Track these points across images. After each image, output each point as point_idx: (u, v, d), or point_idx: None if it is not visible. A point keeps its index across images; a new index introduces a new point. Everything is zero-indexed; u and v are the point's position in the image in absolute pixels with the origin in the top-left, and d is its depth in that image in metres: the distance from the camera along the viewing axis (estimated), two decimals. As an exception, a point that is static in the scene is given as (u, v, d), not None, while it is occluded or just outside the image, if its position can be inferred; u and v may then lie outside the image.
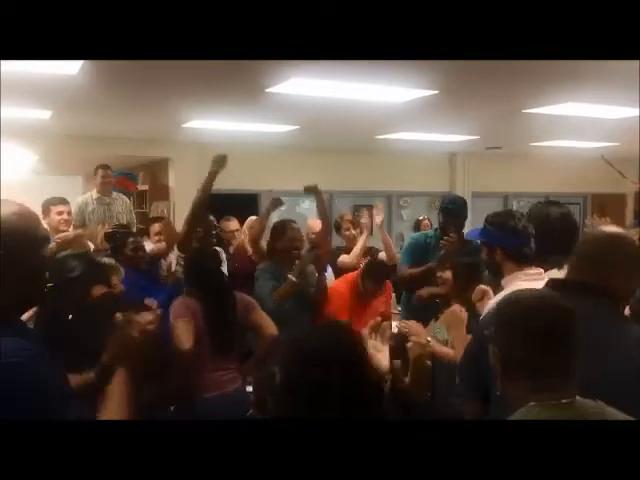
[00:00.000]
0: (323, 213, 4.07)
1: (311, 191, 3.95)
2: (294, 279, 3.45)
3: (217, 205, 5.18)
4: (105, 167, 5.36)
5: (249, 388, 2.92)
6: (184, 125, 5.80)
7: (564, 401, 1.24)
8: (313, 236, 4.50)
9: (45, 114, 5.08)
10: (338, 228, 4.73)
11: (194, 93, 4.43)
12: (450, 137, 6.86)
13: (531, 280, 2.04)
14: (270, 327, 3.03)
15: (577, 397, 1.26)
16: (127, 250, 3.70)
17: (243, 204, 6.63)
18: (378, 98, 4.38)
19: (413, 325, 2.29)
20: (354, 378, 1.40)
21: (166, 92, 4.40)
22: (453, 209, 3.83)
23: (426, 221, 6.19)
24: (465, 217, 3.96)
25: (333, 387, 1.36)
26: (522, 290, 1.42)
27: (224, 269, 3.78)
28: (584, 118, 5.36)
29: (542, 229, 2.35)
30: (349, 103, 4.58)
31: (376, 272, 3.73)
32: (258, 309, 3.10)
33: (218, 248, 4.04)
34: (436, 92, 4.19)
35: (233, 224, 4.57)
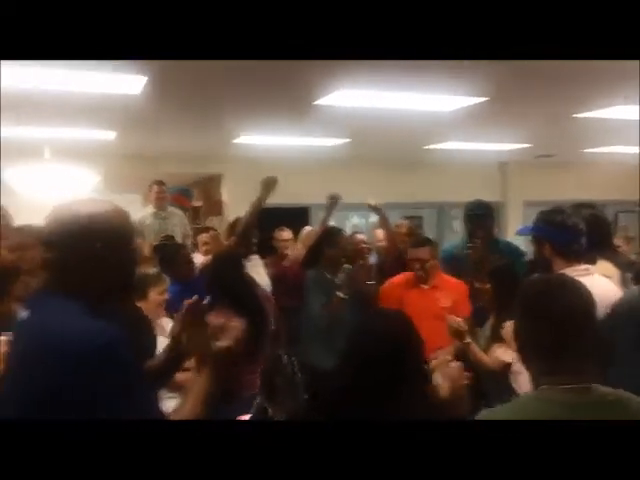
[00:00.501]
0: (386, 227, 4.17)
1: (374, 209, 4.03)
2: (342, 295, 3.53)
3: (268, 218, 5.35)
4: (160, 183, 5.61)
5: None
6: (235, 141, 5.99)
7: (580, 386, 1.21)
8: (380, 244, 4.60)
9: (110, 135, 5.35)
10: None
11: (244, 108, 4.59)
12: (500, 146, 6.83)
13: (578, 277, 2.05)
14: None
15: (597, 385, 1.24)
16: (175, 262, 3.80)
17: (293, 217, 6.75)
18: (425, 107, 4.43)
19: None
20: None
21: (218, 108, 4.57)
22: (477, 215, 3.82)
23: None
24: (492, 221, 3.91)
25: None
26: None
27: (261, 275, 3.92)
28: (636, 122, 5.26)
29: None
30: (396, 114, 4.65)
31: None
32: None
33: (255, 256, 4.18)
34: (485, 99, 4.21)
35: (286, 234, 4.73)
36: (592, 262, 2.33)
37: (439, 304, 3.42)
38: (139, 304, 2.63)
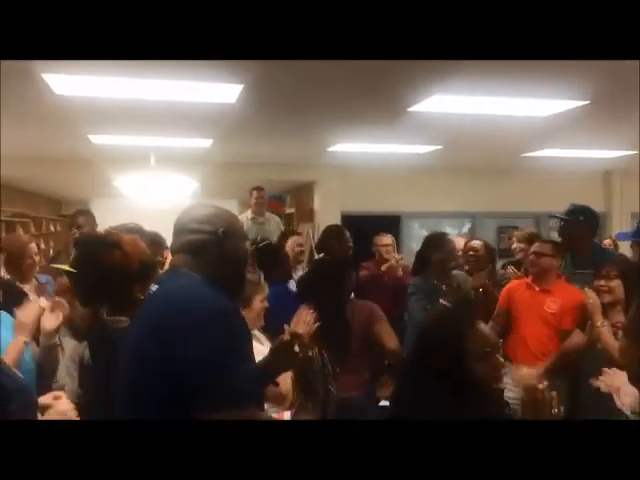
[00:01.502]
0: None
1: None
2: (445, 303, 3.48)
3: (360, 226, 5.39)
4: (260, 189, 5.83)
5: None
6: (329, 149, 6.07)
7: None
8: (472, 254, 4.49)
9: (207, 142, 5.60)
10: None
11: (339, 116, 4.64)
12: (604, 153, 6.48)
13: None
14: (391, 342, 3.01)
15: None
16: (276, 263, 3.92)
17: (385, 225, 6.73)
18: (522, 112, 4.29)
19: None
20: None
21: (312, 116, 4.66)
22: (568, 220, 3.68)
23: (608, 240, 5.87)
24: (590, 224, 3.72)
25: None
26: None
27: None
28: None
29: None
30: (491, 120, 4.54)
31: None
32: (384, 322, 3.07)
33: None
34: (587, 102, 4.02)
35: (386, 239, 4.74)
36: None
37: (545, 307, 3.36)
38: (243, 312, 2.66)
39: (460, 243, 4.59)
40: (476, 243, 4.44)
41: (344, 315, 3.05)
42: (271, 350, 1.67)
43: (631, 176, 7.85)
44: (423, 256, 3.80)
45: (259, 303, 2.71)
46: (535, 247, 3.51)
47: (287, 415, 2.25)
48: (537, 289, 3.45)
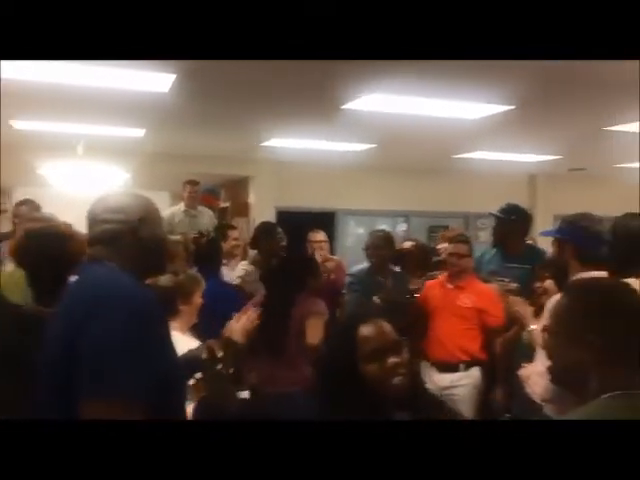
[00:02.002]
0: None
1: None
2: (377, 301, 3.56)
3: (294, 222, 5.40)
4: (193, 183, 5.77)
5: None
6: (263, 144, 6.04)
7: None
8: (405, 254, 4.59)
9: (139, 132, 5.46)
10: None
11: (273, 111, 4.63)
12: (530, 157, 6.76)
13: None
14: (311, 336, 3.02)
15: None
16: (215, 256, 3.86)
17: (320, 222, 6.77)
18: (454, 114, 4.41)
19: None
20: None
21: (247, 110, 4.63)
22: (506, 219, 3.82)
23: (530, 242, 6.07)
24: (523, 223, 3.89)
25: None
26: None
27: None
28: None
29: (621, 238, 2.38)
30: (425, 121, 4.64)
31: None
32: (315, 318, 3.09)
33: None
34: (512, 107, 4.17)
35: (320, 235, 4.78)
36: (637, 275, 2.28)
37: (459, 303, 3.50)
38: (183, 307, 2.62)
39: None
40: (407, 244, 4.54)
41: (288, 312, 3.10)
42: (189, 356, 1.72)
43: (555, 180, 8.22)
44: (366, 250, 3.97)
45: (198, 299, 2.69)
46: (452, 248, 3.62)
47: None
48: (450, 287, 3.58)
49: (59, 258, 1.97)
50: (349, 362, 1.50)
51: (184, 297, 2.60)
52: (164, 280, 2.49)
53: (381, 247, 3.92)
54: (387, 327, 1.56)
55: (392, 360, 1.49)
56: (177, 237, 4.47)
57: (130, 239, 1.53)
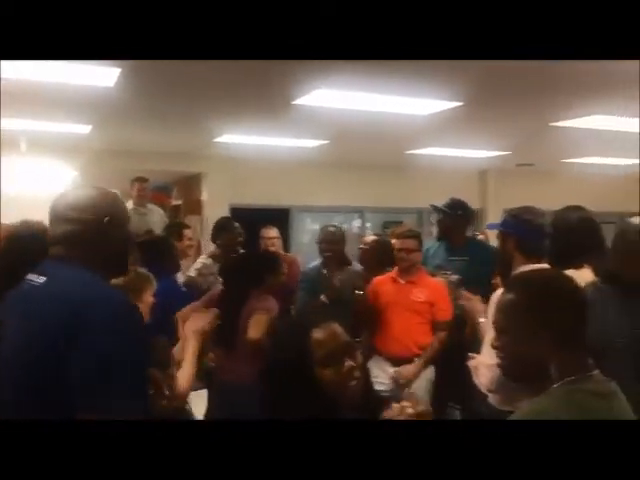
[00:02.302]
0: None
1: None
2: (323, 299, 3.56)
3: (249, 219, 5.35)
4: (142, 180, 5.62)
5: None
6: (216, 140, 5.96)
7: (590, 374, 1.26)
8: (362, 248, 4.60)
9: (85, 128, 5.30)
10: None
11: (224, 107, 4.57)
12: (480, 153, 6.87)
13: None
14: (252, 331, 3.01)
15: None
16: (166, 257, 3.71)
17: (275, 219, 6.73)
18: (404, 110, 4.44)
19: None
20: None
21: (199, 106, 4.55)
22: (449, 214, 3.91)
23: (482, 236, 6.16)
24: (466, 218, 3.98)
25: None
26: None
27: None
28: (613, 132, 5.33)
29: (561, 231, 2.45)
30: (376, 117, 4.66)
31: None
32: (259, 314, 3.07)
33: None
34: (460, 104, 4.23)
35: (272, 232, 4.77)
36: (577, 266, 2.37)
37: (412, 297, 3.52)
38: None
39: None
40: (369, 238, 4.58)
41: (241, 308, 3.11)
42: None
43: (505, 176, 8.40)
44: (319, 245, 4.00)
45: (150, 297, 2.62)
46: (401, 244, 3.63)
47: None
48: (402, 282, 3.60)
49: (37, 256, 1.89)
50: (303, 365, 1.45)
51: (134, 295, 2.52)
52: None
53: (333, 242, 3.93)
54: (339, 329, 1.52)
55: (348, 364, 1.47)
56: None
57: (97, 239, 1.48)
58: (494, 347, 1.36)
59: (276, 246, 4.65)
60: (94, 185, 1.58)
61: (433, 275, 3.71)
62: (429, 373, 3.51)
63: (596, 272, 2.41)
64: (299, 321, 1.63)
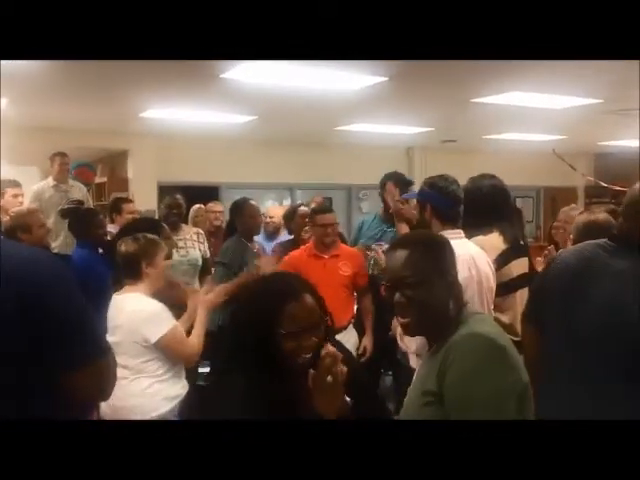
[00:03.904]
0: None
1: None
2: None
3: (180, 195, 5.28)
4: (62, 155, 5.44)
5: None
6: (141, 115, 5.81)
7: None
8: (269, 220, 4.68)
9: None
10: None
11: (149, 80, 4.47)
12: (407, 129, 7.03)
13: (451, 239, 2.22)
14: None
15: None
16: (91, 226, 3.83)
17: (204, 196, 6.65)
18: (331, 85, 4.49)
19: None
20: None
21: (122, 79, 4.42)
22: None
23: None
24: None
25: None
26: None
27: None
28: (531, 109, 5.57)
29: (472, 197, 2.58)
30: (304, 92, 4.68)
31: None
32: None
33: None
34: (385, 79, 4.31)
35: (218, 207, 5.09)
36: (487, 232, 2.52)
37: (340, 272, 3.55)
38: (148, 270, 2.55)
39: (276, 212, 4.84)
40: (271, 210, 4.81)
41: None
42: None
43: (429, 151, 8.62)
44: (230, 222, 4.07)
45: (162, 261, 2.62)
46: (324, 219, 3.59)
47: None
48: (326, 257, 3.56)
49: None
50: (265, 337, 1.40)
51: (147, 260, 2.54)
52: (126, 245, 2.53)
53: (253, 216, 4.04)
54: (313, 303, 1.47)
55: (313, 340, 1.42)
56: None
57: None
58: (397, 303, 1.44)
59: (220, 220, 4.93)
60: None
61: (367, 248, 3.74)
62: (353, 338, 3.60)
63: (504, 238, 2.56)
64: (268, 288, 1.53)
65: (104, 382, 1.39)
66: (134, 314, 2.42)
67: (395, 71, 4.12)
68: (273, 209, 5.18)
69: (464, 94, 5.02)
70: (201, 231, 4.45)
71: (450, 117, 6.32)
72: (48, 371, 1.30)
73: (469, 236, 2.45)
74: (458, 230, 2.36)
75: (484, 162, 8.69)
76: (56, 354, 1.29)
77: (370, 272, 3.58)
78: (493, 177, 2.70)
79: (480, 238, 2.48)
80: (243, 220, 3.99)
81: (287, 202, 8.66)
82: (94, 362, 1.33)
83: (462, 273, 2.15)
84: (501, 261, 2.50)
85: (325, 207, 3.88)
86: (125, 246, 2.53)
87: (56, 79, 4.26)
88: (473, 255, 2.25)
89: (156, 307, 2.46)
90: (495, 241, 2.57)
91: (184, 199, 4.37)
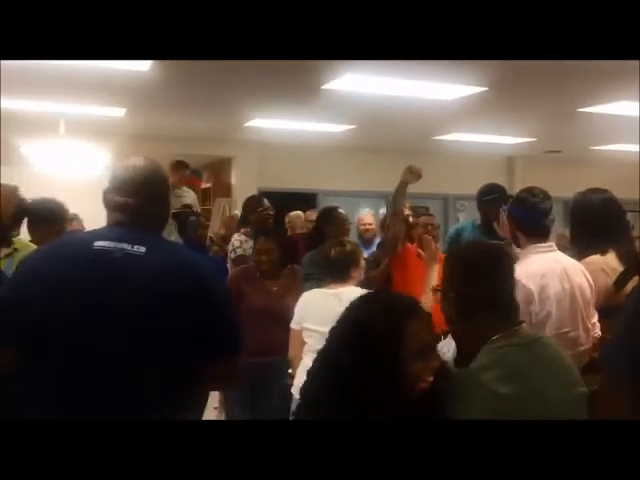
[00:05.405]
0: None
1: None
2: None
3: (276, 203, 5.47)
4: (184, 165, 5.83)
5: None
6: (246, 124, 6.09)
7: (515, 329, 1.41)
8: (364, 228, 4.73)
9: (120, 112, 5.48)
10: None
11: (255, 91, 4.68)
12: (508, 139, 6.87)
13: (541, 253, 2.21)
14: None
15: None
16: (194, 229, 4.16)
17: (302, 202, 6.83)
18: (430, 95, 4.50)
19: None
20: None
21: (229, 91, 4.67)
22: (491, 199, 3.80)
23: None
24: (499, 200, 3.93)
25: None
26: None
27: None
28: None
29: (584, 213, 2.47)
30: (403, 102, 4.72)
31: None
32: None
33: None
34: (485, 89, 4.27)
35: (315, 215, 4.96)
36: (602, 252, 2.36)
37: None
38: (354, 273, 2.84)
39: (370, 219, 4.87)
40: (368, 217, 4.78)
41: None
42: None
43: (532, 162, 8.35)
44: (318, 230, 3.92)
45: (362, 263, 2.95)
46: (428, 219, 3.77)
47: None
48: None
49: None
50: (393, 355, 1.28)
51: (355, 264, 2.81)
52: (336, 252, 2.78)
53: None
54: (431, 321, 1.41)
55: (435, 359, 1.35)
56: None
57: (160, 207, 1.66)
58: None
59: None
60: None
61: None
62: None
63: (621, 257, 2.36)
64: (394, 304, 1.39)
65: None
66: None
67: (496, 81, 4.07)
68: (367, 216, 5.21)
69: (570, 104, 4.87)
70: None
71: (555, 127, 6.12)
72: (201, 358, 1.48)
73: (582, 253, 2.36)
74: (548, 243, 2.27)
75: (591, 174, 8.34)
76: (209, 339, 1.48)
77: None
78: (605, 191, 2.53)
79: (597, 258, 2.35)
80: (333, 228, 3.87)
81: (383, 210, 8.69)
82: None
83: (554, 287, 2.13)
84: (621, 282, 2.32)
85: (423, 209, 3.83)
86: (335, 252, 2.77)
87: (169, 89, 4.57)
88: (566, 268, 2.19)
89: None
90: (613, 261, 2.39)
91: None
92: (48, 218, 2.88)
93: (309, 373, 1.43)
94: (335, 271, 2.71)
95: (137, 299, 1.43)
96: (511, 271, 1.48)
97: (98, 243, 1.47)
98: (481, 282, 1.44)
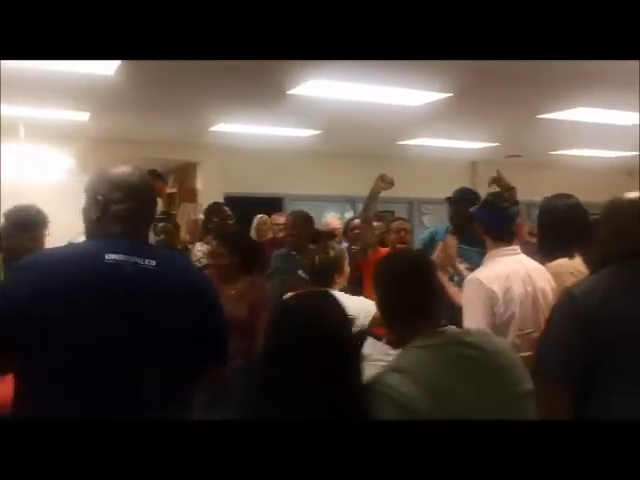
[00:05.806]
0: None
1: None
2: (302, 275, 3.64)
3: (243, 208, 5.47)
4: (155, 173, 5.73)
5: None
6: (212, 128, 6.06)
7: (438, 330, 1.43)
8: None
9: (83, 116, 5.39)
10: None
11: (221, 95, 4.67)
12: (471, 144, 7.00)
13: (505, 256, 2.28)
14: None
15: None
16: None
17: (268, 207, 6.83)
18: (395, 101, 4.56)
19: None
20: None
21: (195, 95, 4.65)
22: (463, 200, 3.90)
23: None
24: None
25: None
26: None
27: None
28: (599, 125, 5.46)
29: (550, 218, 2.54)
30: (368, 107, 4.77)
31: None
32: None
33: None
34: (450, 95, 4.35)
35: (282, 219, 5.02)
36: (569, 256, 2.41)
37: None
38: (338, 279, 2.82)
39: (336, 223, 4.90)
40: (356, 221, 4.73)
41: None
42: None
43: (494, 166, 8.47)
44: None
45: (347, 268, 2.91)
46: (401, 224, 3.95)
47: None
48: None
49: None
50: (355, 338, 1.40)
51: (339, 269, 2.80)
52: (320, 258, 2.78)
53: (299, 227, 4.05)
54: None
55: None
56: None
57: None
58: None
59: (282, 231, 4.83)
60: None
61: None
62: None
63: (586, 262, 2.38)
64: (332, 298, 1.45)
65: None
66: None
67: (461, 87, 4.15)
68: (333, 220, 5.22)
69: (530, 110, 4.99)
70: None
71: (516, 132, 6.27)
72: (199, 367, 1.55)
73: (549, 257, 2.41)
74: (512, 247, 2.34)
75: (550, 179, 8.56)
76: (208, 351, 1.57)
77: None
78: (571, 197, 2.61)
79: (565, 262, 2.40)
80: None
81: (348, 214, 8.75)
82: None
83: (518, 289, 2.19)
84: None
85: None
86: (319, 259, 2.78)
87: (134, 93, 4.52)
88: (529, 271, 2.26)
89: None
90: (580, 265, 2.44)
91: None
92: (26, 225, 2.85)
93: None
94: (319, 277, 2.72)
95: (152, 312, 1.48)
96: (431, 276, 1.51)
97: (110, 256, 1.46)
98: (397, 288, 1.49)
